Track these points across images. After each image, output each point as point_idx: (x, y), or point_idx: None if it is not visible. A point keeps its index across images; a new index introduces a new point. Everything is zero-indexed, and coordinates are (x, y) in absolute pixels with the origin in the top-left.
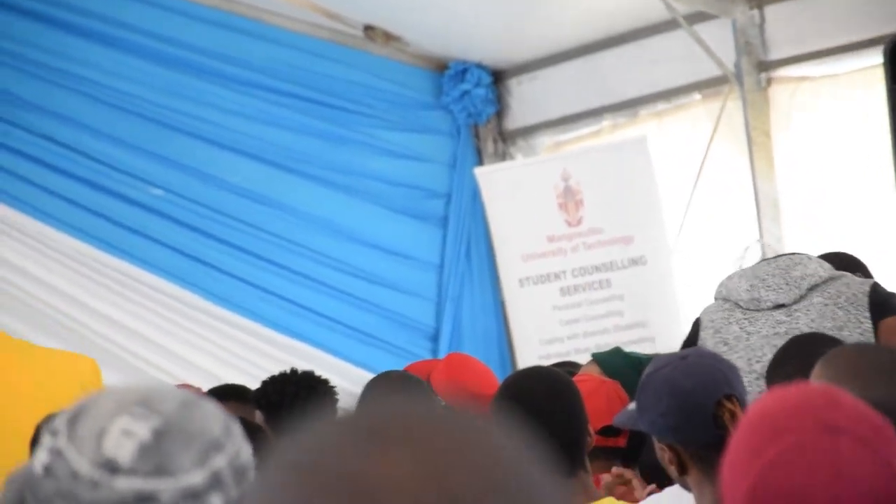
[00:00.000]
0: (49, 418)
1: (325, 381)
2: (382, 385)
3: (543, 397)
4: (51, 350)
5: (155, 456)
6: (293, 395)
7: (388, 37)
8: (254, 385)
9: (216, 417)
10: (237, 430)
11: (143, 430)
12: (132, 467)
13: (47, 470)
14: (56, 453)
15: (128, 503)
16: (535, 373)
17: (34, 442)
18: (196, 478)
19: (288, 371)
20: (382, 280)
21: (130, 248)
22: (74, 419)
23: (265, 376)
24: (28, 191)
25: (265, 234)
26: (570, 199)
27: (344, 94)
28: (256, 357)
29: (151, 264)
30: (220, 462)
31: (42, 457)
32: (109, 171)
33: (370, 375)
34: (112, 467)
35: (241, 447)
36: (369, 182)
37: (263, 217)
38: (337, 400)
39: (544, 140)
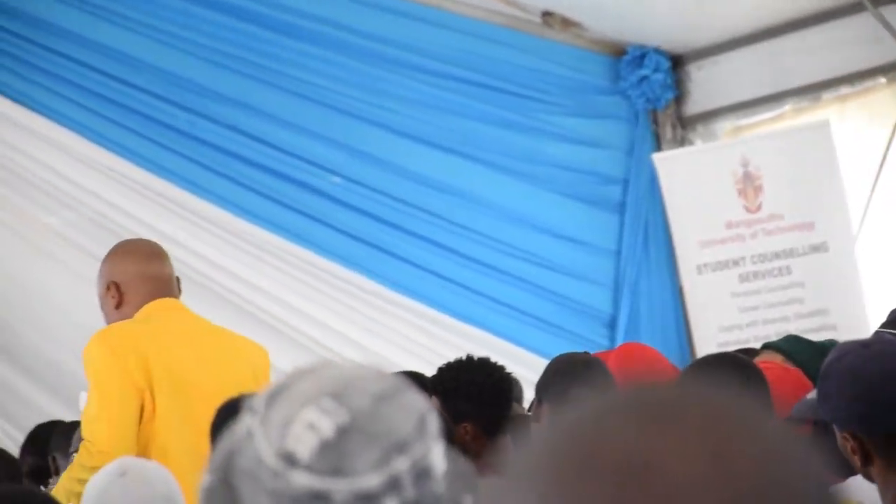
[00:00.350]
0: (249, 394)
1: (501, 368)
2: (567, 367)
3: (733, 384)
4: (232, 333)
5: (334, 455)
6: (469, 381)
7: (567, 23)
8: (430, 371)
9: (411, 413)
10: (432, 426)
11: (327, 426)
12: (309, 464)
13: (243, 447)
14: (249, 434)
15: (303, 499)
16: (725, 359)
17: (218, 423)
18: (372, 481)
19: (464, 357)
20: (558, 266)
21: (309, 235)
22: (271, 401)
23: (441, 362)
24: (210, 179)
25: (441, 221)
26: (749, 184)
27: (520, 80)
28: (433, 343)
29: (329, 251)
30: (401, 465)
31: (241, 432)
32: (290, 158)
33: (545, 362)
34: (291, 460)
35: (431, 446)
36: (545, 168)
37: (440, 204)
38: (515, 387)
39: (724, 125)
